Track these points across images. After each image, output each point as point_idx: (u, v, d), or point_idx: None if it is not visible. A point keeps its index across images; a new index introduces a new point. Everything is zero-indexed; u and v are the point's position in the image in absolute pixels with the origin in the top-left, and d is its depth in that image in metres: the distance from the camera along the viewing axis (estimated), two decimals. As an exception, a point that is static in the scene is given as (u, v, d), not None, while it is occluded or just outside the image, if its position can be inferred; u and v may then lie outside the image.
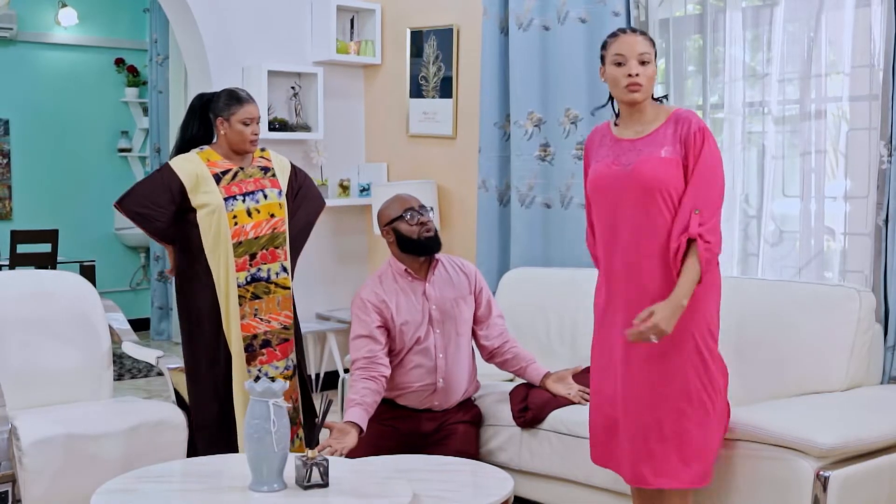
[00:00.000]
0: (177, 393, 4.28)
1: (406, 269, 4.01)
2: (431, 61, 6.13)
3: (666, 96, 3.44)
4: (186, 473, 3.29)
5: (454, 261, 4.15)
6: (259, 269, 4.09)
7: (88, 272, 7.58)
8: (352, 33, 6.48)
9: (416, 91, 6.22)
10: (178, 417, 4.05)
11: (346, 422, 3.67)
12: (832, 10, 4.32)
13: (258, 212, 4.09)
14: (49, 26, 8.85)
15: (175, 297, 4.23)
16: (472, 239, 5.70)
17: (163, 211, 4.03)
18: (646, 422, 3.23)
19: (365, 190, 6.53)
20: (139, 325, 8.00)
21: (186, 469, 3.36)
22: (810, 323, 3.85)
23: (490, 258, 5.43)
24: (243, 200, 4.07)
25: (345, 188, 6.51)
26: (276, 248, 4.12)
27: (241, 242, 4.05)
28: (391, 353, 3.96)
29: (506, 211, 5.41)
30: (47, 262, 7.64)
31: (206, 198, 4.03)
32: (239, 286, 4.05)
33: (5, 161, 8.64)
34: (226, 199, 4.03)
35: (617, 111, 3.37)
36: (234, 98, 4.11)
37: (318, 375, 6.41)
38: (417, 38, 6.20)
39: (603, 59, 3.30)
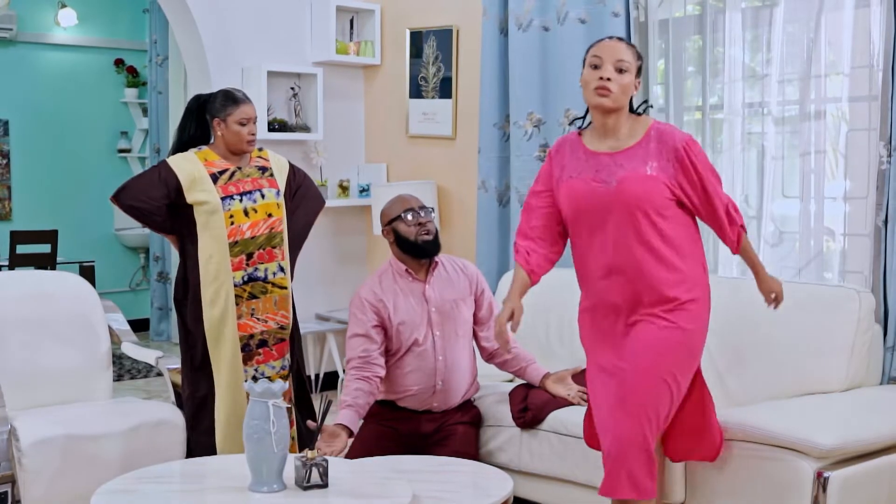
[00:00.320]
0: (174, 386, 4.28)
1: (406, 270, 4.01)
2: (431, 62, 6.13)
3: (646, 101, 3.37)
4: (186, 474, 3.30)
5: (456, 262, 4.14)
6: (256, 269, 4.08)
7: (88, 273, 7.59)
8: (351, 34, 6.48)
9: (416, 91, 6.23)
10: (178, 418, 4.05)
11: (336, 424, 3.68)
12: (832, 11, 4.32)
13: (255, 211, 4.09)
14: (49, 27, 8.85)
15: (173, 292, 4.22)
16: (471, 239, 5.70)
17: (157, 205, 4.04)
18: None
19: (364, 190, 6.53)
20: (139, 326, 8.00)
21: (186, 469, 3.36)
22: (810, 323, 3.85)
23: (490, 258, 5.43)
24: (240, 200, 4.07)
25: (344, 189, 6.51)
26: (274, 247, 4.12)
27: (237, 242, 4.05)
28: (388, 353, 3.96)
29: (505, 211, 5.41)
30: (47, 262, 7.65)
31: (203, 196, 4.03)
32: (236, 286, 4.05)
33: (5, 162, 8.64)
34: (222, 199, 4.03)
35: (589, 121, 3.29)
36: (230, 99, 4.11)
37: (317, 376, 6.41)
38: (417, 38, 6.20)
39: (584, 63, 3.20)
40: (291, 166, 4.32)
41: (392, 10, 6.41)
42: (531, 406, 3.99)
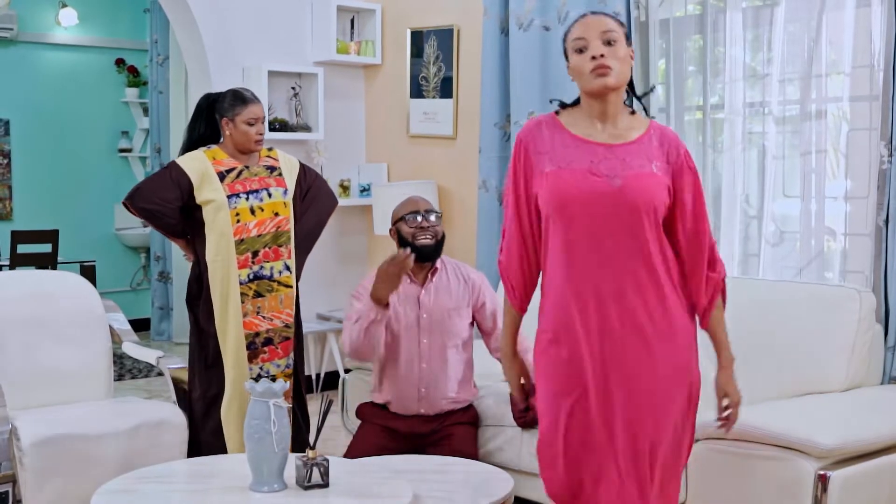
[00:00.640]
0: (177, 384, 4.28)
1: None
2: (432, 61, 6.13)
3: (652, 88, 3.03)
4: (187, 474, 3.30)
5: (461, 269, 4.08)
6: (262, 267, 4.10)
7: (89, 272, 7.58)
8: (352, 33, 6.48)
9: (417, 91, 6.23)
10: (179, 417, 4.05)
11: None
12: (832, 11, 4.32)
13: (262, 210, 4.10)
14: (49, 26, 8.85)
15: (186, 291, 4.24)
16: (472, 239, 5.70)
17: (171, 207, 4.05)
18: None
19: (365, 190, 6.53)
20: (139, 326, 8.00)
21: (187, 469, 3.36)
22: (811, 323, 3.85)
23: (490, 259, 5.42)
24: (247, 198, 4.08)
25: (345, 188, 6.51)
26: (280, 246, 4.14)
27: (243, 240, 4.07)
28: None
29: (506, 211, 5.40)
30: (48, 262, 7.64)
31: (212, 195, 4.06)
32: (241, 283, 4.07)
33: (6, 161, 8.64)
34: (229, 197, 4.06)
35: (570, 103, 2.80)
36: (238, 98, 4.14)
37: (318, 376, 6.41)
38: (418, 38, 6.20)
39: (566, 53, 2.73)
40: (302, 166, 4.33)
41: (393, 9, 6.41)
42: (533, 406, 3.97)
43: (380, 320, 3.79)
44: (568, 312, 2.67)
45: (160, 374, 6.72)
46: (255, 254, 4.09)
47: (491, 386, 4.32)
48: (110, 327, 4.43)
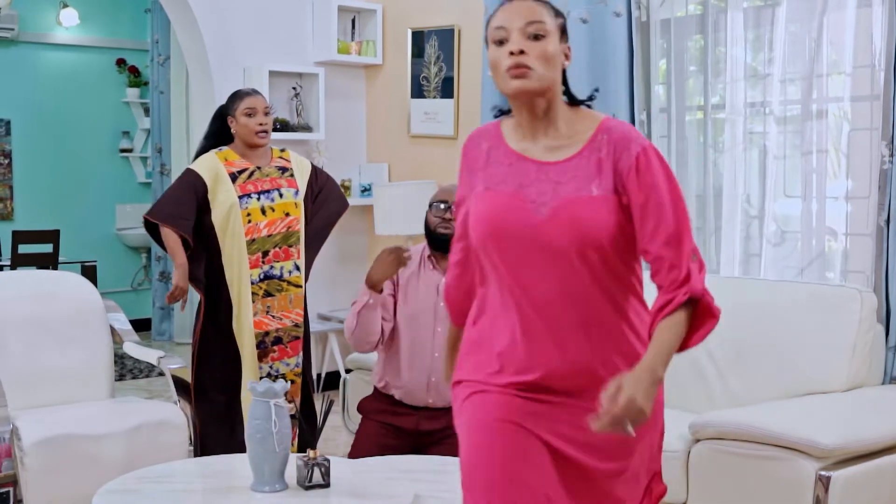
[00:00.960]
0: (178, 384, 4.29)
1: (430, 256, 3.99)
2: (433, 61, 6.13)
3: (597, 90, 2.39)
4: (188, 474, 3.30)
5: None
6: (272, 267, 4.15)
7: (90, 272, 7.58)
8: (353, 33, 6.48)
9: (418, 91, 6.22)
10: (180, 418, 4.05)
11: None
12: (834, 11, 4.32)
13: (273, 210, 4.15)
14: (50, 27, 8.86)
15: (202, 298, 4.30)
16: (473, 239, 5.69)
17: (190, 208, 4.11)
18: None
19: (366, 190, 6.53)
20: (140, 326, 7.98)
21: (188, 469, 3.36)
22: (812, 323, 3.85)
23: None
24: (258, 199, 4.13)
25: (346, 189, 6.51)
26: (290, 246, 4.18)
27: (254, 240, 4.12)
28: (384, 335, 3.95)
29: (507, 211, 5.39)
30: (49, 262, 7.64)
31: (223, 195, 4.12)
32: (252, 283, 4.11)
33: (7, 161, 8.64)
34: (240, 198, 4.11)
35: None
36: (237, 94, 4.24)
37: (319, 376, 6.41)
38: (419, 38, 6.20)
39: (487, 42, 2.23)
40: (314, 168, 4.38)
41: (393, 9, 6.41)
42: None
43: (372, 305, 3.80)
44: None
45: (161, 374, 6.72)
46: (265, 254, 4.13)
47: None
48: (111, 327, 4.44)
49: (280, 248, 4.16)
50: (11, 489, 3.67)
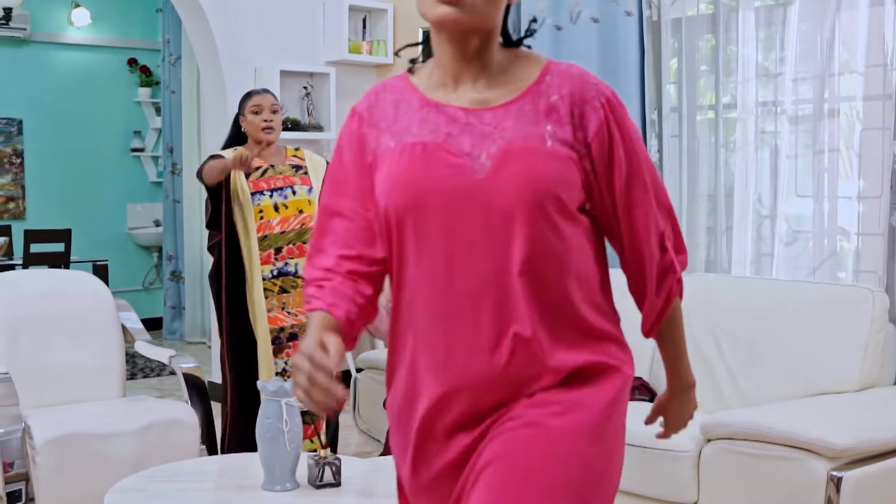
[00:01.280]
0: (190, 383, 4.31)
1: None
2: (443, 61, 6.12)
3: (534, 20, 1.95)
4: (199, 473, 3.30)
5: None
6: (286, 264, 4.19)
7: (101, 272, 7.60)
8: (364, 33, 6.48)
9: (428, 91, 6.22)
10: (191, 417, 4.06)
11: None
12: (846, 10, 4.30)
13: (286, 207, 4.20)
14: (62, 26, 8.88)
15: (209, 281, 4.34)
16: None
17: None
18: None
19: (377, 190, 6.53)
20: (152, 325, 8.01)
21: (199, 468, 3.36)
22: (824, 323, 3.83)
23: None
24: (270, 196, 4.18)
25: (357, 188, 6.52)
26: (305, 243, 4.22)
27: (266, 237, 4.16)
28: None
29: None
30: (60, 261, 7.67)
31: (238, 193, 4.18)
32: (264, 279, 4.15)
33: (19, 161, 8.67)
34: (253, 195, 4.16)
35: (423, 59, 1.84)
36: (246, 94, 4.33)
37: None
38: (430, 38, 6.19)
39: None
40: (329, 166, 4.39)
41: (405, 9, 6.41)
42: None
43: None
44: (413, 376, 1.81)
45: (172, 373, 6.74)
46: (277, 250, 4.17)
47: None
48: (123, 326, 4.45)
49: (294, 244, 4.20)
50: (24, 487, 3.68)
